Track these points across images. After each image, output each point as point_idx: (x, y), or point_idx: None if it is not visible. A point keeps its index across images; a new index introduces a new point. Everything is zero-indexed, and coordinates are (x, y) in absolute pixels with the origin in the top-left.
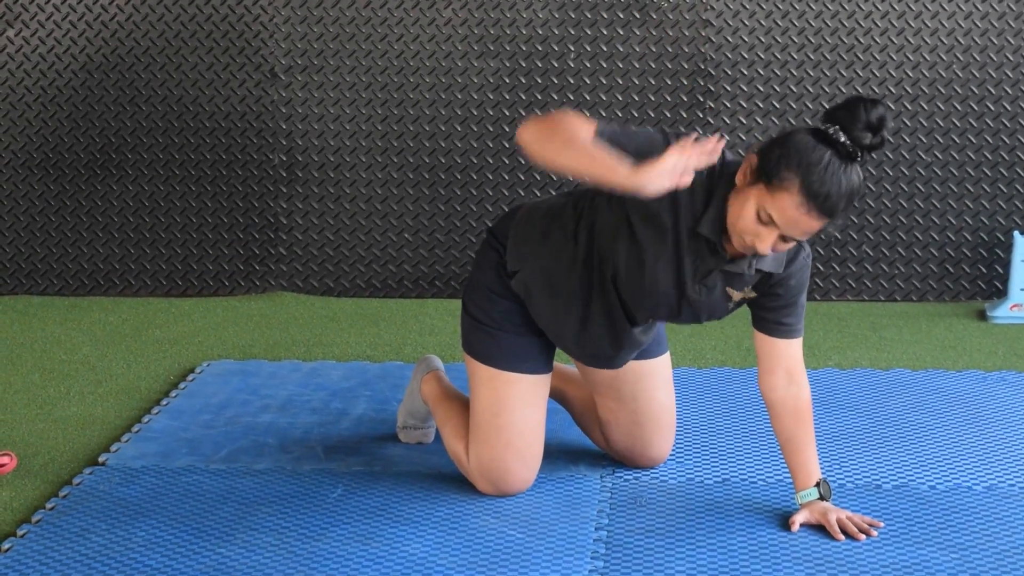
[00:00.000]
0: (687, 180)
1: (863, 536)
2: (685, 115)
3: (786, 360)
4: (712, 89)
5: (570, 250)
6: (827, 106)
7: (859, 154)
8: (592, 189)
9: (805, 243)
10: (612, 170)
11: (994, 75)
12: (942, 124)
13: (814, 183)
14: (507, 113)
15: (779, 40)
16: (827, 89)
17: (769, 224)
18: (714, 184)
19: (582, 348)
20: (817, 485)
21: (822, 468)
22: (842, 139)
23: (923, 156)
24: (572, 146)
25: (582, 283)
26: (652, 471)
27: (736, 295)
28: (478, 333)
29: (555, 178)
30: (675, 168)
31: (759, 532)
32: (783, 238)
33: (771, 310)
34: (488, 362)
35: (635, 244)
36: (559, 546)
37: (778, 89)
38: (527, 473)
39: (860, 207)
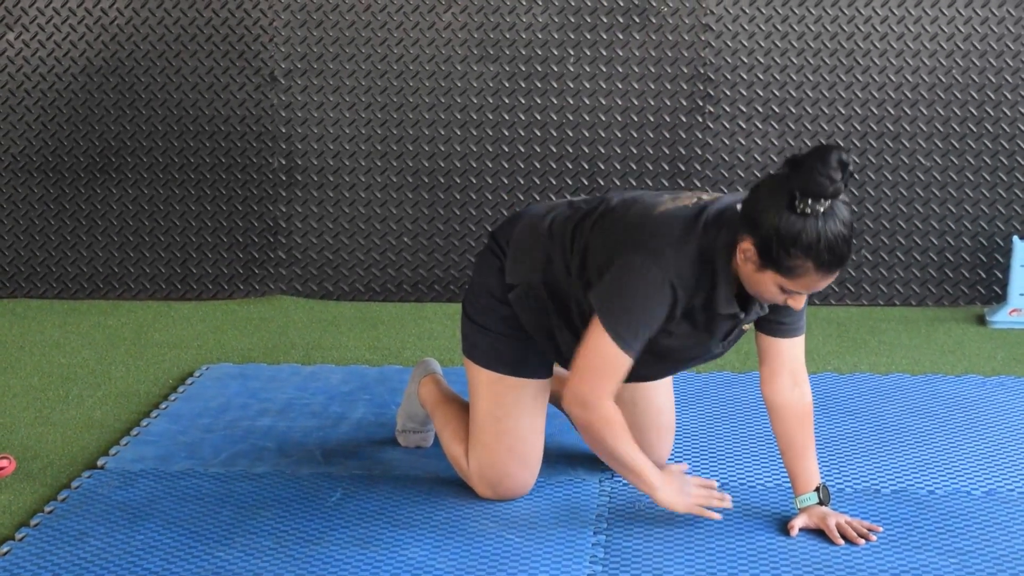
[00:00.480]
0: (713, 515)
1: (862, 541)
2: (684, 120)
3: (790, 362)
4: (711, 94)
5: (573, 295)
6: (826, 111)
7: (841, 195)
8: (594, 218)
9: None
10: (646, 490)
11: (993, 80)
12: (941, 129)
13: (825, 258)
14: (506, 117)
15: (778, 45)
16: (826, 94)
17: (793, 292)
18: (709, 260)
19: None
20: (816, 490)
21: (821, 472)
22: (820, 208)
23: (922, 161)
24: (615, 461)
25: (581, 324)
26: None
27: (747, 327)
28: (479, 337)
29: (553, 181)
30: (695, 509)
31: (758, 536)
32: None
33: (773, 311)
34: (489, 366)
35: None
36: (558, 550)
37: (777, 94)
38: (527, 477)
39: (860, 212)
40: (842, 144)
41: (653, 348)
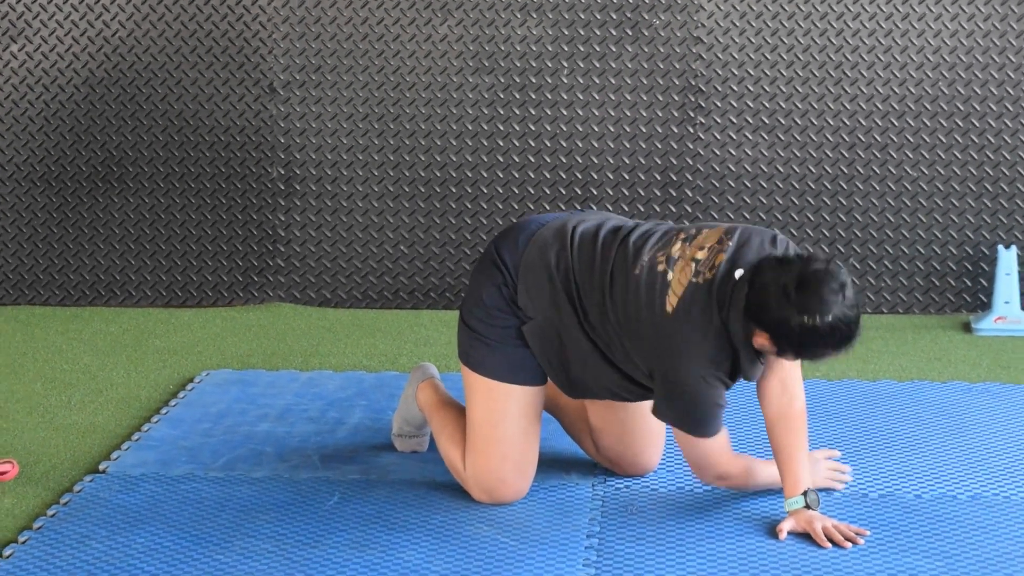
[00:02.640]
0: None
1: (849, 544)
2: (676, 130)
3: (779, 369)
4: (703, 105)
5: (584, 342)
6: (815, 123)
7: (846, 302)
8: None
9: None
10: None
11: (979, 92)
12: (928, 140)
13: (843, 342)
14: (501, 128)
15: (768, 57)
16: (816, 105)
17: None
18: (729, 339)
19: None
20: (804, 494)
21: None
22: (828, 322)
23: (909, 171)
24: (753, 484)
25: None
26: (643, 479)
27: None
28: (476, 345)
29: (547, 191)
30: (829, 483)
31: (747, 540)
32: None
33: None
34: (485, 373)
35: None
36: (551, 553)
37: (767, 105)
38: (522, 483)
39: (847, 221)
40: (831, 155)
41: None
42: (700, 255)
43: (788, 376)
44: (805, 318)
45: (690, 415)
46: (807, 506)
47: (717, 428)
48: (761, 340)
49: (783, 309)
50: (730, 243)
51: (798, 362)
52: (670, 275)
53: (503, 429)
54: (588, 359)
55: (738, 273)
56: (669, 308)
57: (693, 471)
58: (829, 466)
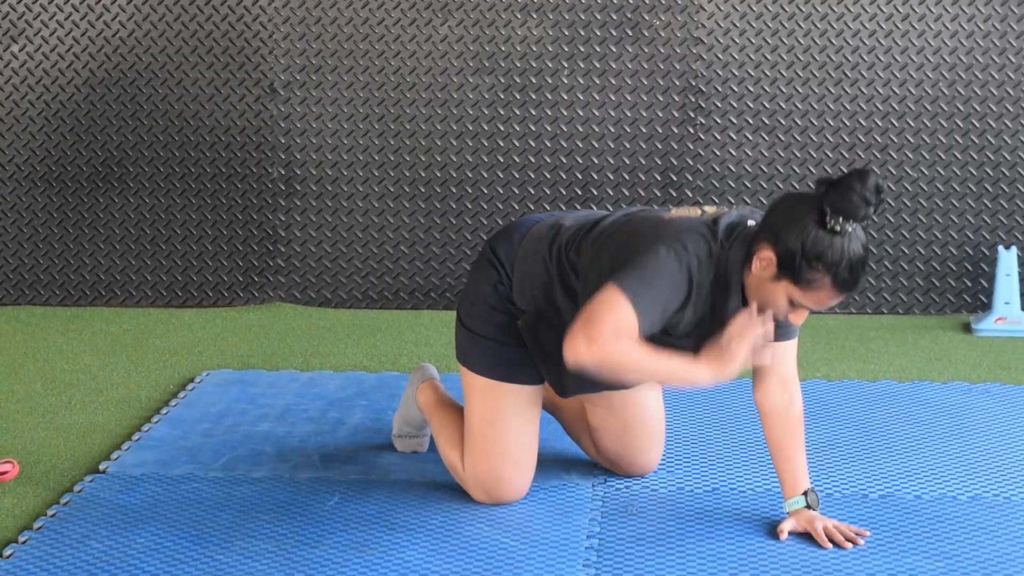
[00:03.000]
0: (762, 359)
1: (849, 544)
2: (676, 131)
3: (780, 367)
4: (703, 105)
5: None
6: (815, 123)
7: (867, 220)
8: (599, 230)
9: None
10: (691, 379)
11: (979, 93)
12: (928, 141)
13: (844, 277)
14: (501, 129)
15: (768, 58)
16: (815, 106)
17: (801, 307)
18: (725, 271)
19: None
20: (805, 494)
21: (810, 477)
22: (849, 229)
23: (910, 172)
24: (642, 373)
25: None
26: (642, 480)
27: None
28: (473, 344)
29: (547, 191)
30: (746, 357)
31: (747, 540)
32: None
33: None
34: (483, 373)
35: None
36: (551, 553)
37: (767, 106)
38: (521, 482)
39: None
40: (831, 156)
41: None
42: (707, 209)
43: (788, 376)
44: (823, 231)
45: (635, 272)
46: (808, 506)
47: (643, 306)
48: (765, 254)
49: (805, 214)
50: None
51: (795, 362)
52: (672, 211)
53: (501, 428)
54: None
55: (751, 221)
56: (667, 216)
57: (567, 340)
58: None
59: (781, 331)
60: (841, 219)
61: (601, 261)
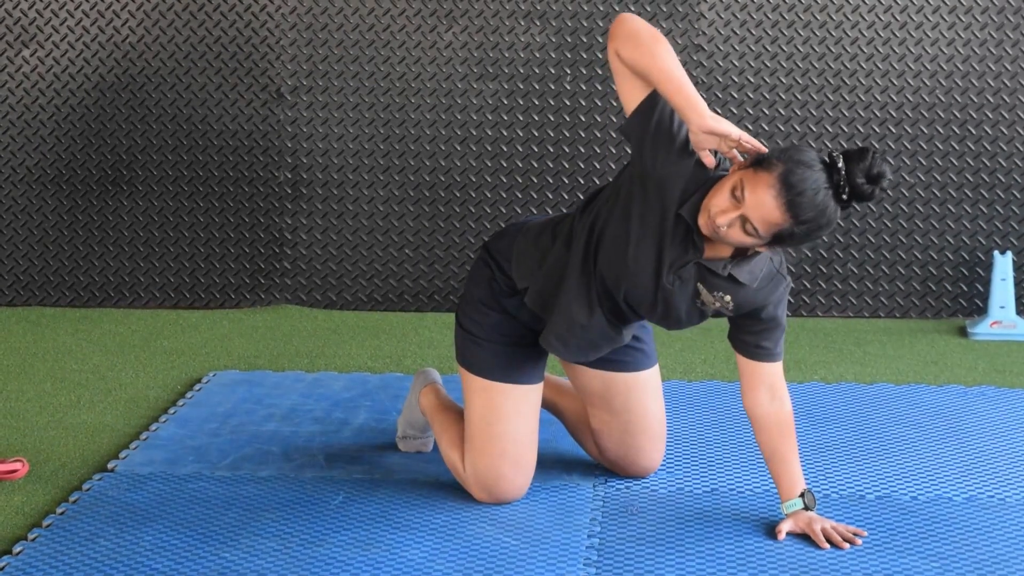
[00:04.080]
0: (734, 155)
1: (847, 545)
2: None
3: (768, 377)
4: None
5: (568, 240)
6: (814, 129)
7: (846, 190)
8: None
9: (786, 275)
10: (693, 105)
11: (976, 100)
12: (925, 147)
13: (794, 175)
14: (504, 133)
15: (768, 65)
16: (814, 112)
17: (738, 202)
18: (708, 176)
19: (584, 344)
20: (802, 495)
21: (808, 479)
22: (839, 165)
23: (907, 178)
24: (660, 73)
25: (579, 274)
26: (643, 481)
27: (709, 298)
28: (471, 345)
29: (551, 195)
30: (734, 135)
31: (746, 540)
32: (743, 223)
33: (751, 334)
34: (481, 373)
35: (625, 219)
36: (553, 553)
37: (767, 112)
38: (521, 480)
39: (846, 227)
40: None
41: (617, 248)
42: None
43: (775, 382)
44: (811, 154)
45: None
46: (805, 507)
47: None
48: (748, 137)
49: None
50: None
51: (781, 367)
52: None
53: (500, 428)
54: (575, 286)
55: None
56: None
57: (612, 36)
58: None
59: (765, 352)
60: (841, 157)
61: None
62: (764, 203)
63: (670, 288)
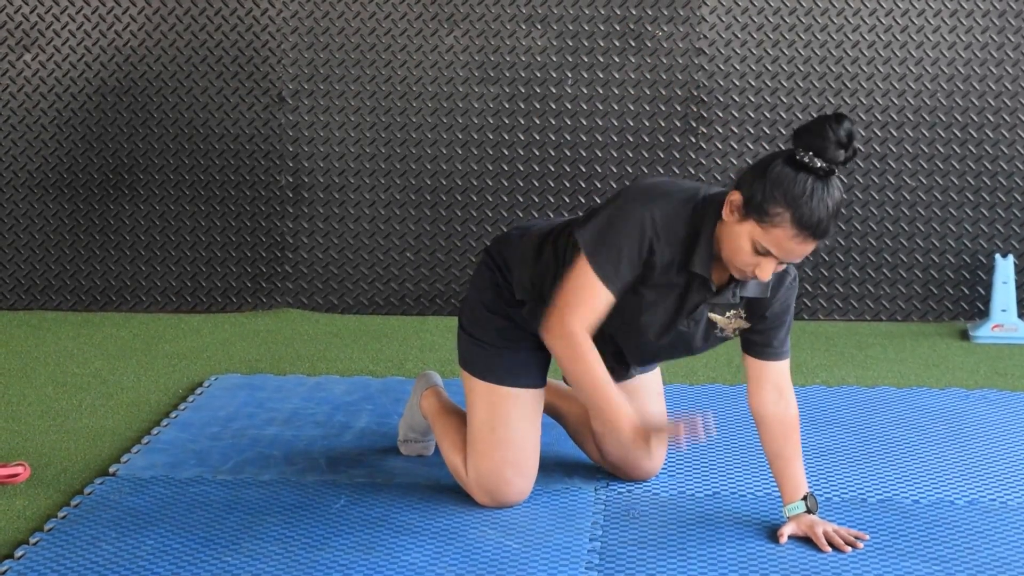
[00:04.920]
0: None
1: (849, 548)
2: (678, 140)
3: (775, 377)
4: (704, 115)
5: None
6: None
7: (836, 170)
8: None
9: (791, 267)
10: (612, 420)
11: (977, 103)
12: (926, 150)
13: (804, 214)
14: (506, 137)
15: (769, 68)
16: (815, 115)
17: (767, 255)
18: (699, 221)
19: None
20: (804, 498)
21: (810, 482)
22: (818, 164)
23: (908, 181)
24: (581, 385)
25: None
26: (645, 484)
27: (723, 321)
28: (474, 349)
29: (552, 199)
30: (656, 449)
31: (748, 543)
32: (778, 263)
33: (758, 333)
34: (484, 377)
35: (631, 292)
36: (554, 556)
37: (768, 115)
38: (524, 484)
39: (847, 230)
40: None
41: (625, 315)
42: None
43: (783, 382)
44: (790, 167)
45: (598, 233)
46: (808, 510)
47: (610, 276)
48: (734, 196)
49: (778, 157)
50: None
51: (788, 375)
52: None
53: (503, 432)
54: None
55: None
56: (650, 180)
57: (545, 321)
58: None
59: (773, 351)
60: (811, 154)
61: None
62: (794, 249)
63: (686, 331)
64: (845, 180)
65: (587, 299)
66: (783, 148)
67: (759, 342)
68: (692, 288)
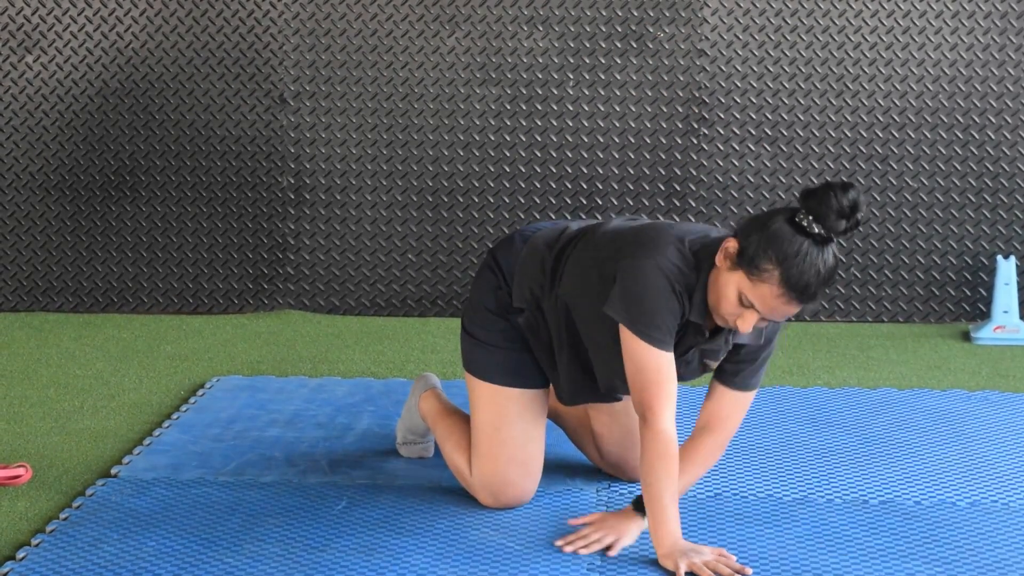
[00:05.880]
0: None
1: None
2: (680, 142)
3: (728, 406)
4: (706, 117)
5: (558, 313)
6: (817, 134)
7: (833, 238)
8: (577, 241)
9: None
10: (656, 538)
11: (978, 104)
12: (928, 151)
13: (793, 275)
14: (507, 139)
15: (771, 69)
16: (817, 117)
17: (750, 308)
18: (695, 272)
19: (569, 384)
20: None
21: (811, 484)
22: (816, 229)
23: (909, 182)
24: (649, 489)
25: (569, 360)
26: None
27: (712, 364)
28: (477, 351)
29: (553, 200)
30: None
31: (749, 545)
32: (764, 319)
33: (730, 363)
34: (488, 379)
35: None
36: (556, 557)
37: (769, 116)
38: (528, 485)
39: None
40: (833, 167)
41: (617, 361)
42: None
43: (734, 413)
44: (789, 227)
45: (635, 304)
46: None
47: (665, 341)
48: (729, 243)
49: (779, 214)
50: None
51: (748, 400)
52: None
53: (507, 432)
54: (565, 340)
55: (714, 233)
56: (637, 224)
57: (635, 407)
58: (711, 552)
59: (740, 380)
60: (811, 218)
61: (577, 259)
62: (776, 307)
63: (685, 376)
64: (844, 246)
65: (660, 375)
66: (788, 206)
67: (728, 370)
68: (687, 333)
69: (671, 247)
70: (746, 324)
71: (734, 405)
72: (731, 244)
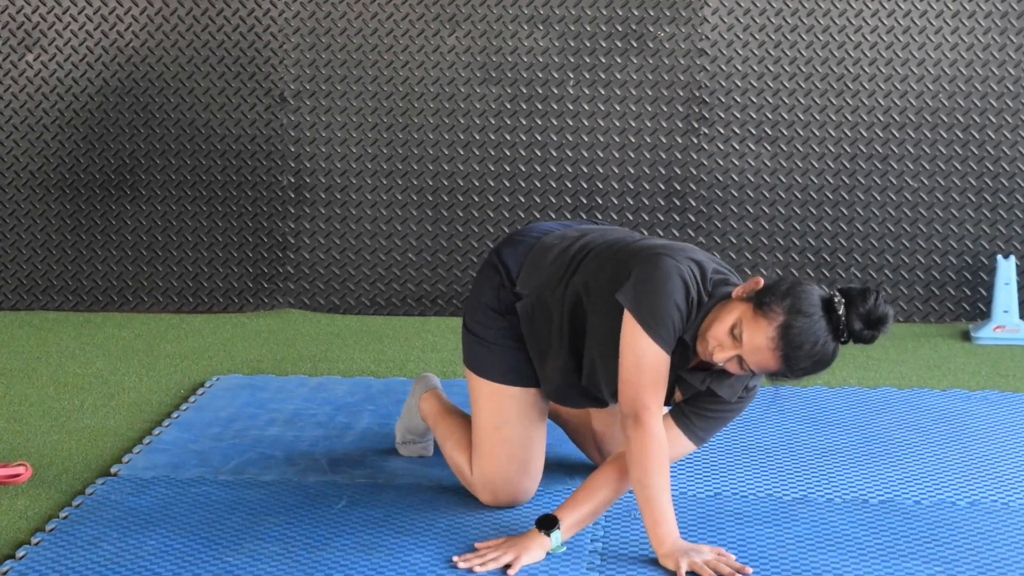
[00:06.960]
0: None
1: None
2: (680, 141)
3: (675, 448)
4: (706, 116)
5: (559, 304)
6: (817, 134)
7: (844, 335)
8: (594, 244)
9: (757, 385)
10: (654, 538)
11: (978, 104)
12: (928, 152)
13: (793, 331)
14: (507, 138)
15: (771, 70)
16: (817, 117)
17: (736, 341)
18: (709, 295)
19: (551, 386)
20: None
21: (811, 483)
22: (839, 312)
23: (909, 182)
24: (643, 490)
25: (563, 337)
26: None
27: (679, 397)
28: (479, 349)
29: (553, 200)
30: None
31: (749, 544)
32: (740, 361)
33: (691, 406)
34: (489, 377)
35: (613, 340)
36: (556, 557)
37: (770, 116)
38: (529, 483)
39: (848, 231)
40: (833, 166)
41: (597, 374)
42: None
43: (674, 453)
44: (819, 297)
45: (651, 298)
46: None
47: (667, 340)
48: (752, 284)
49: (817, 284)
50: None
51: (688, 450)
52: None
53: (508, 431)
54: (560, 346)
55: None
56: (662, 239)
57: (621, 402)
58: (710, 551)
59: (695, 425)
60: (842, 302)
61: (607, 263)
62: (761, 351)
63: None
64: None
65: (654, 373)
66: (793, 283)
67: (688, 412)
68: (673, 352)
69: (696, 264)
70: (723, 354)
71: (673, 447)
72: (758, 280)
